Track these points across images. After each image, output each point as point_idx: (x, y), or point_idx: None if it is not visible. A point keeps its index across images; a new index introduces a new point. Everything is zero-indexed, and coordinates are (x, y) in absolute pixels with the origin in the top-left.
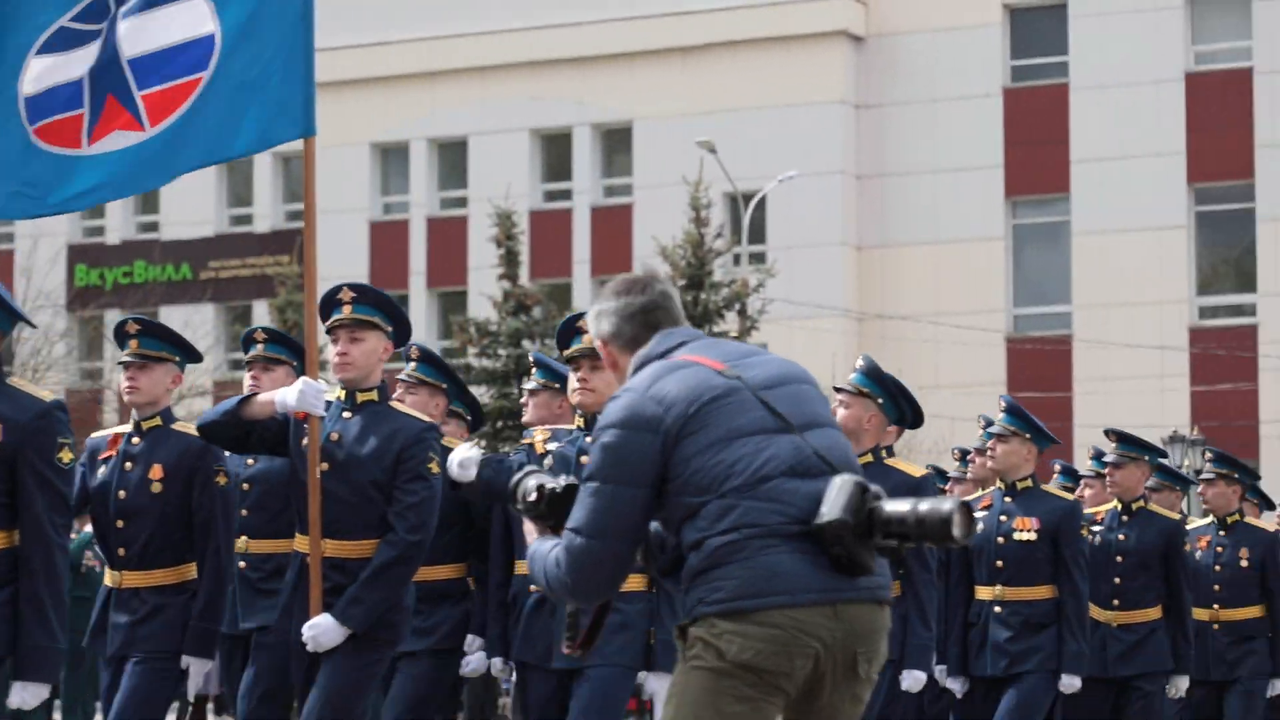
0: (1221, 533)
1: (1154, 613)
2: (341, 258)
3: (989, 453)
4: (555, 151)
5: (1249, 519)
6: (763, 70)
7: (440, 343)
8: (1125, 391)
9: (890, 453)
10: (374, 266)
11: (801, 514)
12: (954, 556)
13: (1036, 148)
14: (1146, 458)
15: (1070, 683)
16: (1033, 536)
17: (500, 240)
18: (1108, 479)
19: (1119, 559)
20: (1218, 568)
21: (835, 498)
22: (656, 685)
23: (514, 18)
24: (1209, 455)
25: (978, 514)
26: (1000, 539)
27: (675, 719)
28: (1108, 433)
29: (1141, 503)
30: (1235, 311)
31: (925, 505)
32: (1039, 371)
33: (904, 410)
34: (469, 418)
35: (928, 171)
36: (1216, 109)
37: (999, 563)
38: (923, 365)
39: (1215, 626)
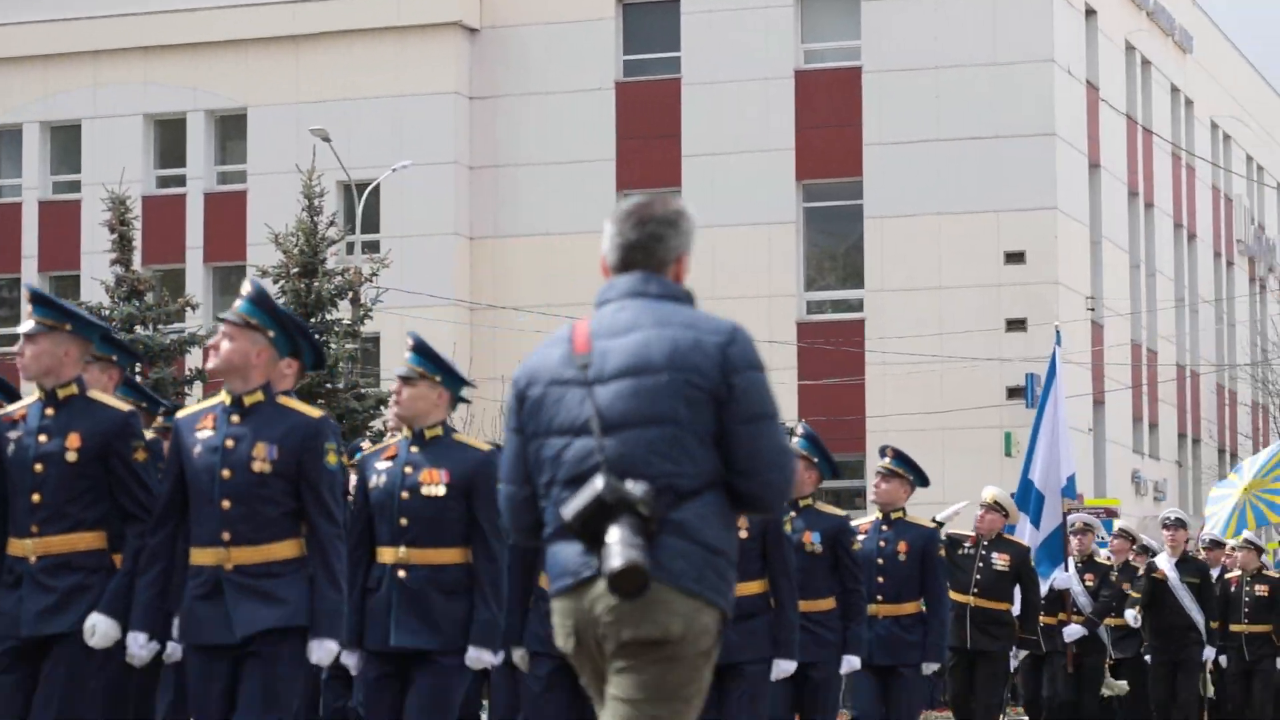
0: (884, 527)
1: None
2: None
3: None
4: (169, 137)
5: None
6: (377, 60)
7: None
8: None
9: None
10: None
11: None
12: None
13: (648, 142)
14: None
15: (785, 668)
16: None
17: (113, 225)
18: None
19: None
20: (880, 560)
21: (574, 500)
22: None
23: (129, 2)
24: (890, 452)
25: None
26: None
27: None
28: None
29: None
30: (842, 307)
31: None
32: None
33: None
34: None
35: (540, 163)
36: (825, 107)
37: None
38: None
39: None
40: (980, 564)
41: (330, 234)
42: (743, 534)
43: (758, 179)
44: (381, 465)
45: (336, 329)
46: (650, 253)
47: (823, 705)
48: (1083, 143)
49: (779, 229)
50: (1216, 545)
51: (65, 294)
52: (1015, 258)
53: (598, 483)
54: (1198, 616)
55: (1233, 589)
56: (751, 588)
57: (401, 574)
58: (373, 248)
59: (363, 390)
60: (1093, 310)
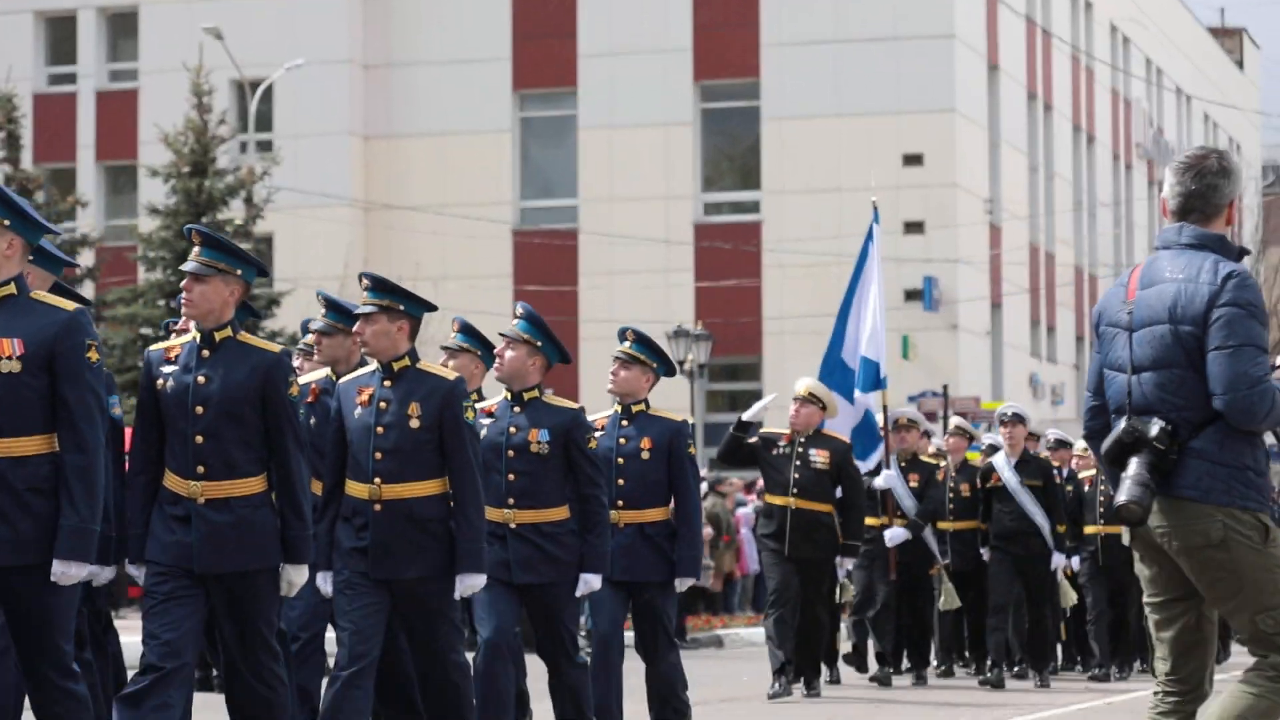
0: (624, 422)
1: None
2: None
3: None
4: (59, 34)
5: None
6: None
7: None
8: (631, 286)
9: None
10: None
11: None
12: None
13: (543, 41)
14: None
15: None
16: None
17: (1, 124)
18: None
19: (620, 461)
20: (620, 460)
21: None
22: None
23: None
24: (631, 335)
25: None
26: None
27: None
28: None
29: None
30: (739, 209)
31: None
32: (546, 265)
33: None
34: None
35: (436, 62)
36: (723, 6)
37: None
38: (430, 257)
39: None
40: (797, 462)
41: (221, 132)
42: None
43: (655, 79)
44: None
45: (229, 229)
46: (1206, 200)
47: (558, 632)
48: (982, 45)
49: (676, 130)
50: (1063, 445)
51: None
52: (914, 160)
53: (1121, 424)
54: (1041, 521)
55: (1086, 489)
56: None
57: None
58: (265, 147)
59: (252, 292)
60: (991, 213)
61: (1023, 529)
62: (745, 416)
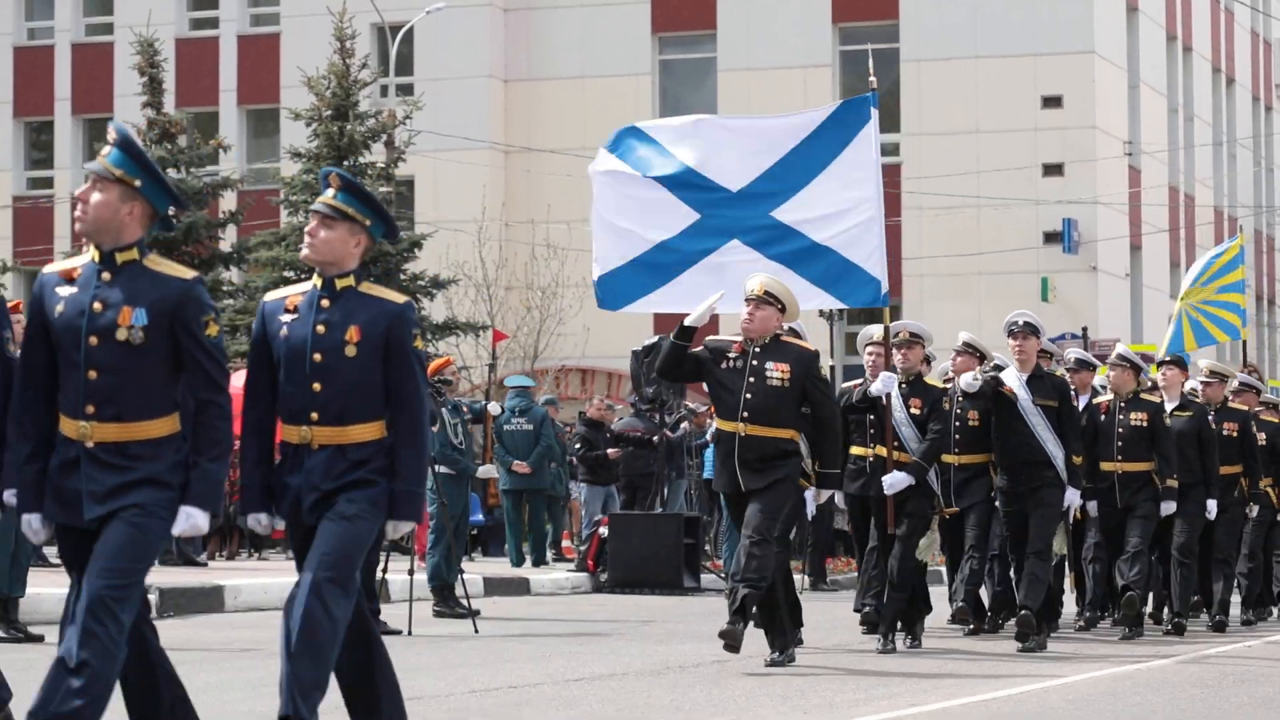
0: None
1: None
2: None
3: None
4: None
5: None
6: None
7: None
8: None
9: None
10: (18, 92)
11: None
12: None
13: None
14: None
15: None
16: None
17: (143, 68)
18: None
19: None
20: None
21: None
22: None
23: None
24: (336, 182)
25: None
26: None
27: None
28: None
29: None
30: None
31: None
32: None
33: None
34: None
35: (575, 5)
36: None
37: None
38: (567, 200)
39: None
40: (751, 379)
41: (363, 76)
42: None
43: (794, 21)
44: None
45: (370, 172)
46: None
47: None
48: None
49: (815, 72)
50: (1085, 366)
51: (98, 137)
52: (1052, 102)
53: None
54: (1055, 450)
55: (1102, 417)
56: None
57: None
58: (406, 91)
59: (403, 233)
60: (1130, 155)
61: (1031, 459)
62: (689, 320)
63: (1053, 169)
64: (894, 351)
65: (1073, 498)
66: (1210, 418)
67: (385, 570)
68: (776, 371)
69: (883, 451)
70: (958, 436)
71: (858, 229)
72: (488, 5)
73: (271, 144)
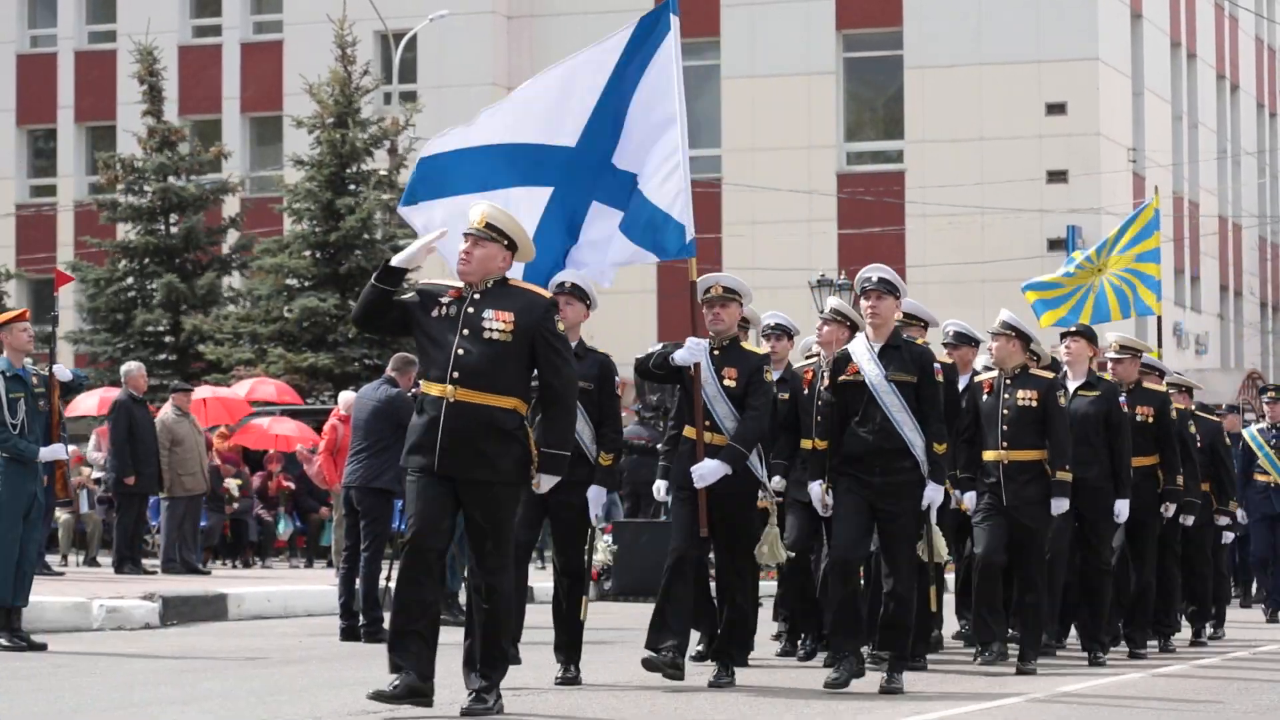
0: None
1: None
2: None
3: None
4: None
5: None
6: None
7: (89, 178)
8: (773, 235)
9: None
10: (21, 99)
11: None
12: None
13: None
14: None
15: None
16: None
17: (142, 76)
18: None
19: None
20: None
21: None
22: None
23: None
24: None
25: None
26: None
27: None
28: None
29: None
30: (882, 158)
31: None
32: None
33: None
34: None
35: (577, 13)
36: None
37: None
38: None
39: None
40: (465, 330)
41: (364, 83)
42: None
43: (798, 28)
44: None
45: (372, 179)
46: None
47: None
48: None
49: (819, 79)
50: (965, 341)
51: (101, 145)
52: (1057, 109)
53: None
54: (913, 437)
55: (985, 397)
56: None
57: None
58: (409, 98)
59: (400, 241)
60: (1134, 162)
61: (883, 446)
62: (396, 260)
63: (1057, 176)
64: (705, 310)
65: (934, 494)
66: (1122, 400)
67: (389, 579)
68: (498, 322)
69: (691, 433)
70: (819, 419)
71: (665, 166)
72: (491, 13)
73: (274, 151)
